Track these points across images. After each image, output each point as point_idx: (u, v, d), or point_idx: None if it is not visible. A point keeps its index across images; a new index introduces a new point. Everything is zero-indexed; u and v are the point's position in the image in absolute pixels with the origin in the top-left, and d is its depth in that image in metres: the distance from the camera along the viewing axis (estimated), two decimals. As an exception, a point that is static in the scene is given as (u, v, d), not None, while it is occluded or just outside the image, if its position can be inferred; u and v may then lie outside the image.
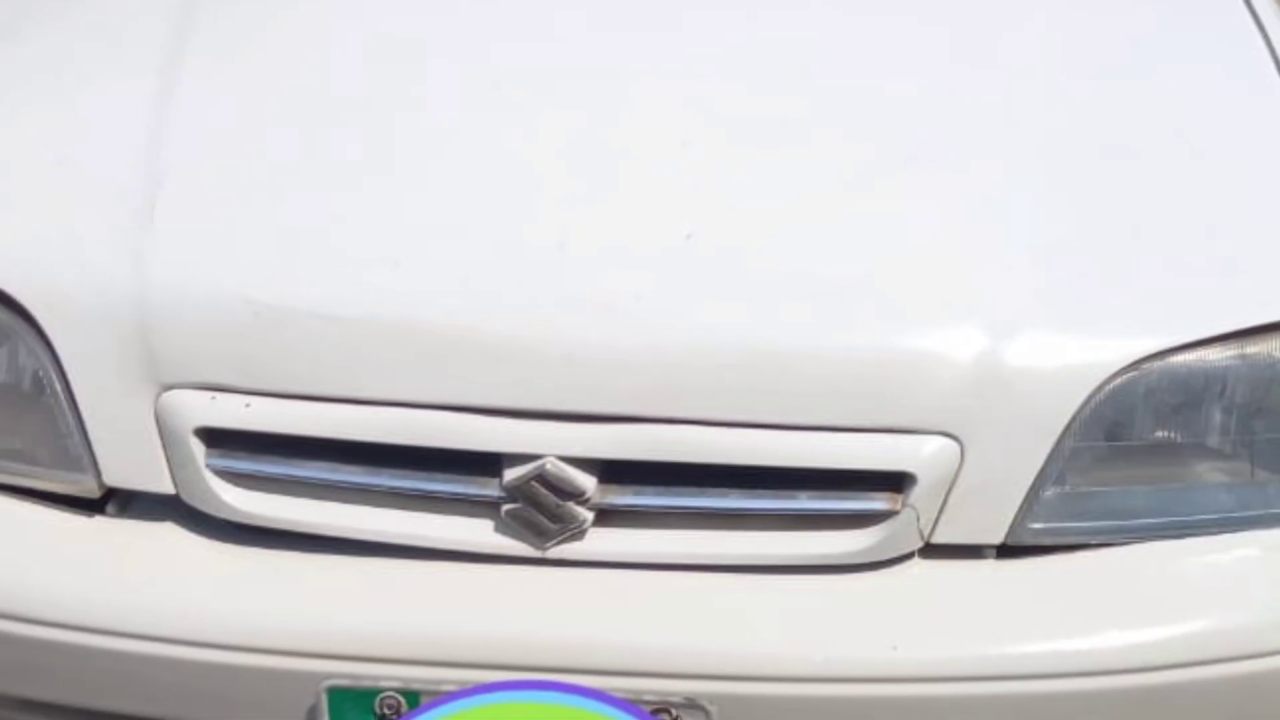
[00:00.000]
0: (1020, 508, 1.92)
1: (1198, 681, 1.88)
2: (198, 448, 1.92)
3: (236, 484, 1.93)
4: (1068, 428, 1.90)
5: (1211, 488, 2.00)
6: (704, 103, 2.21)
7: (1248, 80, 2.36)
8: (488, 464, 1.90)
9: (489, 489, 1.90)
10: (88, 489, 1.97)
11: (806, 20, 2.44)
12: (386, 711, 1.84)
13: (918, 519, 1.89)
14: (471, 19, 2.38)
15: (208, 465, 1.92)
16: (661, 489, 1.91)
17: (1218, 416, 1.98)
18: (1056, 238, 2.03)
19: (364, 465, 1.92)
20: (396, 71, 2.27)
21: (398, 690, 1.84)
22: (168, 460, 1.93)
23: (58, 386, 1.95)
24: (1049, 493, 1.92)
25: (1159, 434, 1.98)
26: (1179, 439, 1.98)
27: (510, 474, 1.88)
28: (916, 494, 1.89)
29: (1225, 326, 1.94)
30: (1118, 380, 1.91)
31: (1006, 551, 1.95)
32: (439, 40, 2.34)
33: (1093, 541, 1.96)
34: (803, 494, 1.91)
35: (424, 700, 1.83)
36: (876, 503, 1.90)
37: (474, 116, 2.17)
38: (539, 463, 1.87)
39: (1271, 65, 2.38)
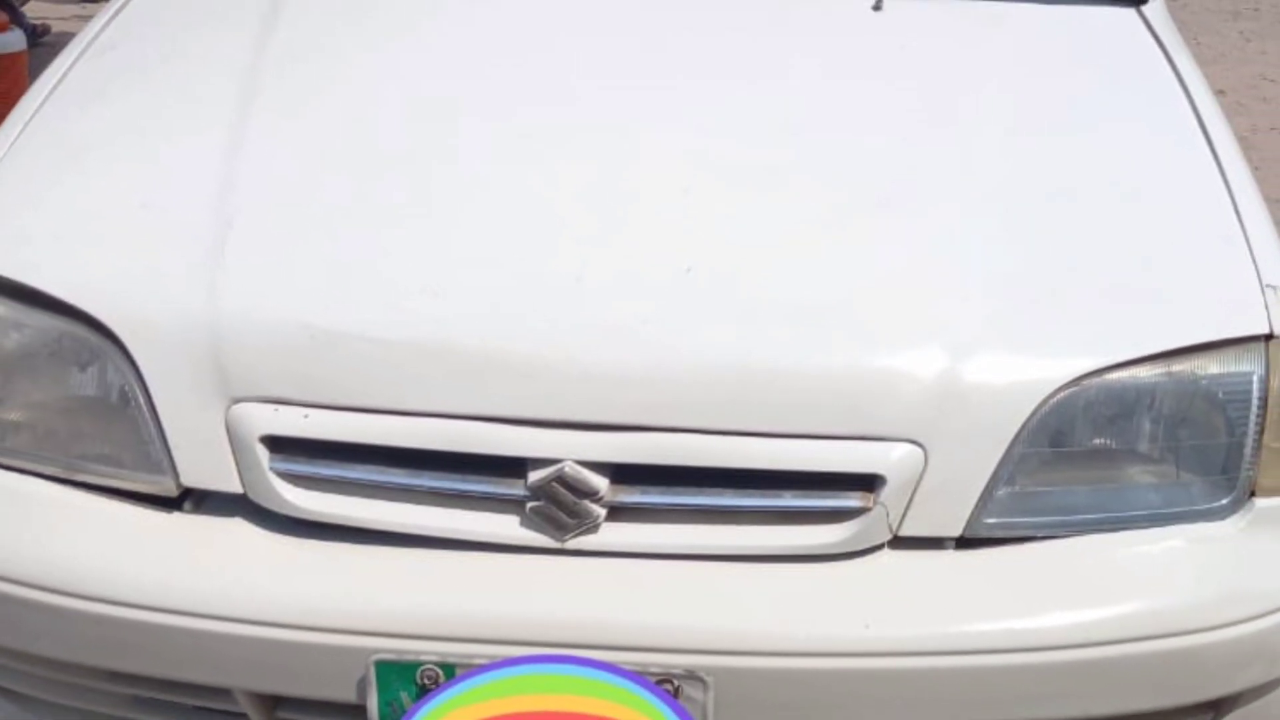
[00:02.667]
0: (976, 505, 1.92)
1: (1131, 656, 1.88)
2: (263, 453, 1.92)
3: (296, 484, 1.93)
4: (1017, 435, 1.92)
5: (1142, 487, 2.00)
6: (702, 154, 2.22)
7: (1173, 135, 2.37)
8: (514, 467, 1.90)
9: (515, 489, 1.90)
10: (167, 489, 1.97)
11: (792, 83, 2.46)
12: (426, 682, 1.84)
13: (887, 515, 1.90)
14: (500, 82, 2.39)
15: (271, 468, 1.92)
16: (665, 489, 1.92)
17: (1147, 426, 1.99)
18: (1007, 271, 2.05)
19: (407, 468, 1.92)
20: (435, 128, 2.28)
21: (436, 663, 1.83)
22: (236, 464, 1.93)
23: (141, 400, 1.95)
24: (1001, 492, 1.93)
25: (1097, 441, 1.99)
26: (1114, 445, 2.00)
27: (534, 476, 1.89)
28: (886, 493, 1.89)
29: (1154, 348, 1.96)
30: (1061, 394, 1.93)
31: (964, 543, 1.95)
32: (472, 101, 2.35)
33: (1039, 534, 1.96)
34: (787, 493, 1.91)
35: (459, 672, 1.83)
36: (851, 501, 1.91)
37: (502, 166, 2.19)
38: (559, 466, 1.88)
39: (1194, 122, 2.39)
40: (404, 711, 1.85)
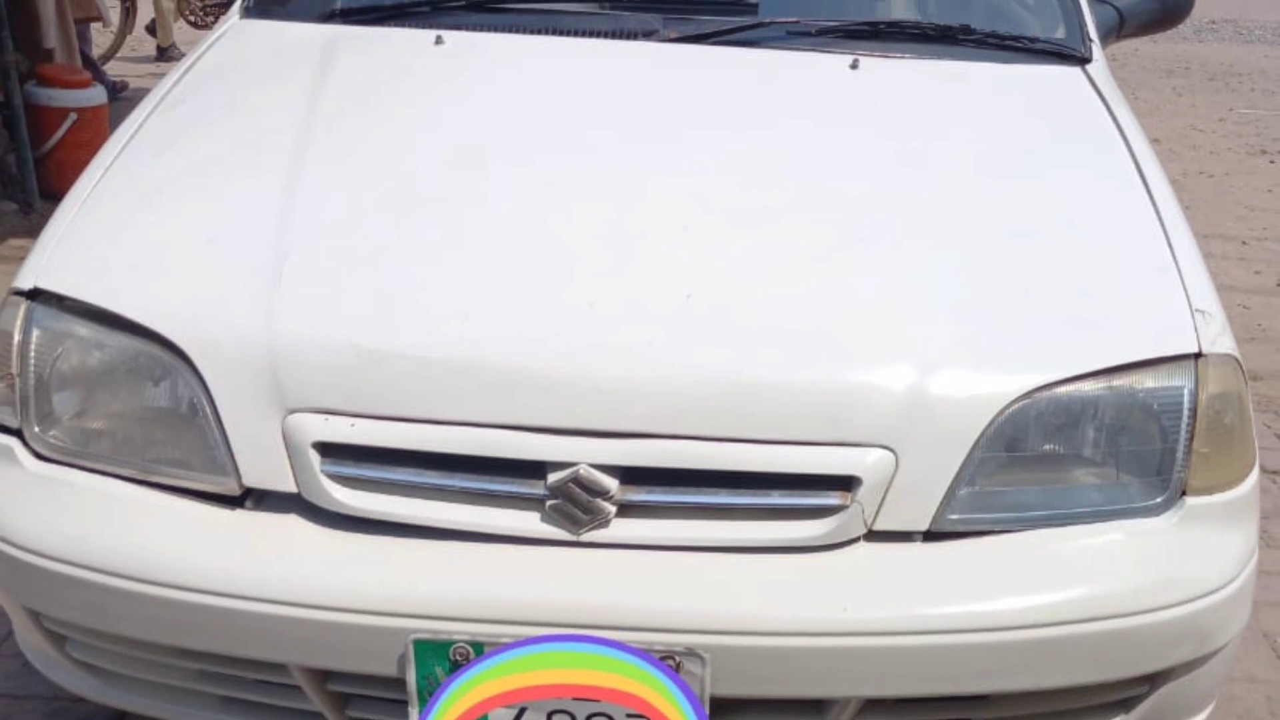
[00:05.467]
0: (941, 503, 1.93)
1: (1076, 635, 1.89)
2: (315, 457, 1.93)
3: (344, 485, 1.94)
4: (977, 442, 1.93)
5: (1086, 487, 2.00)
6: (702, 197, 2.24)
7: (1114, 179, 2.39)
8: (535, 470, 1.91)
9: (536, 489, 1.91)
10: (230, 489, 1.98)
11: (780, 134, 2.48)
12: (458, 658, 1.85)
13: (862, 511, 1.91)
14: (525, 135, 2.41)
15: (322, 471, 1.93)
16: (669, 488, 1.92)
17: (1091, 433, 2.00)
18: (969, 298, 2.06)
19: (441, 471, 1.93)
20: (467, 174, 2.29)
21: (467, 642, 1.84)
22: (292, 467, 1.95)
23: (208, 411, 1.97)
24: (963, 491, 1.94)
25: (1047, 447, 1.99)
26: (1062, 450, 2.01)
27: (552, 477, 1.90)
28: (862, 492, 1.90)
29: (1097, 365, 1.98)
30: (1015, 406, 1.94)
31: (931, 536, 1.95)
32: (500, 151, 2.36)
33: (996, 529, 1.96)
34: (775, 492, 1.92)
35: (487, 650, 1.84)
36: (831, 499, 1.92)
37: (526, 207, 2.20)
38: (574, 469, 1.89)
39: (1133, 167, 2.40)
40: (439, 684, 1.86)
